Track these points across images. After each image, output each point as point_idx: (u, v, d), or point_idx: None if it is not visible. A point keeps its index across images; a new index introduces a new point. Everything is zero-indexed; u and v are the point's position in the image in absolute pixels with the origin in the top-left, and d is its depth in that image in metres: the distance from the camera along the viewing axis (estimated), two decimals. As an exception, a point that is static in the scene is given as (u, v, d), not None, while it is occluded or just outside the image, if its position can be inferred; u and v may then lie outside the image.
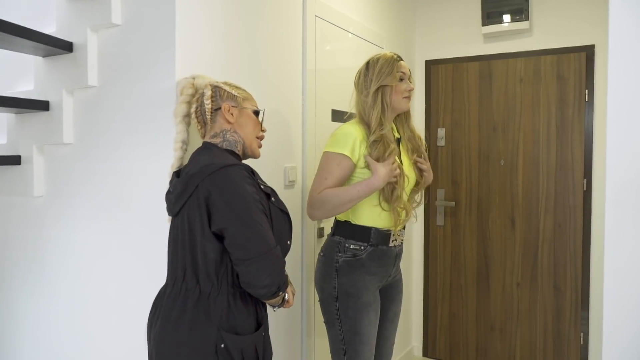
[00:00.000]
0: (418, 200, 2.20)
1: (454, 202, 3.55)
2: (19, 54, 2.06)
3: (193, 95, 1.64)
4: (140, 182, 1.83)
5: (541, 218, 3.31)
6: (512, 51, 3.38)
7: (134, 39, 1.83)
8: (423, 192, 2.23)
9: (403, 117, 2.16)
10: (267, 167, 2.18)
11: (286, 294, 1.56)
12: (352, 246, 2.00)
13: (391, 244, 2.04)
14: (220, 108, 1.58)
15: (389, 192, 1.96)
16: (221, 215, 1.40)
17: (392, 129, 2.10)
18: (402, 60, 2.05)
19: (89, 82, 1.90)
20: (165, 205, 1.58)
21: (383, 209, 1.98)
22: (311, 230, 2.48)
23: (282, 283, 1.47)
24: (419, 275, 3.73)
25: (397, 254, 2.09)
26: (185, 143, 1.65)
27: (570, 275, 3.25)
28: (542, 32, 3.30)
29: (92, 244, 1.95)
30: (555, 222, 3.28)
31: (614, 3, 1.25)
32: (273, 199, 1.55)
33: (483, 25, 3.39)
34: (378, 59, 2.03)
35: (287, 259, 2.29)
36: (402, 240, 2.11)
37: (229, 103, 1.59)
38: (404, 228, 2.09)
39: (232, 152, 1.59)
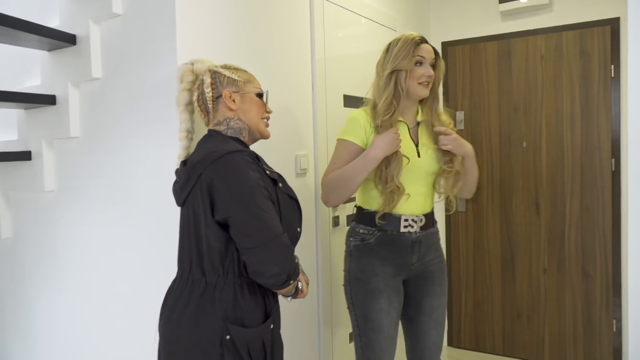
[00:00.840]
0: (441, 189, 2.08)
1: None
2: (28, 50, 2.10)
3: (194, 82, 1.63)
4: (147, 173, 1.84)
5: (567, 201, 3.24)
6: (532, 28, 3.30)
7: (136, 28, 1.84)
8: (457, 182, 2.05)
9: (430, 101, 2.06)
10: (277, 155, 2.18)
11: (299, 283, 1.53)
12: (361, 230, 2.01)
13: (403, 230, 1.97)
14: (221, 95, 1.57)
15: (380, 173, 1.92)
16: (224, 204, 1.40)
17: (416, 112, 2.06)
18: (425, 42, 1.97)
19: (93, 74, 1.93)
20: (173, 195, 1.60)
21: (378, 190, 1.95)
22: (325, 219, 2.48)
23: (292, 271, 1.44)
24: (442, 264, 3.69)
25: (416, 242, 1.99)
26: (190, 132, 1.64)
27: (600, 260, 3.18)
28: (563, 7, 3.22)
29: (101, 237, 1.98)
30: (582, 205, 3.21)
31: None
32: (280, 184, 1.54)
33: (500, 2, 3.32)
34: (398, 40, 1.97)
35: (301, 248, 2.32)
36: (423, 226, 2.00)
37: (230, 89, 1.57)
38: (425, 214, 2.01)
39: (237, 139, 1.58)
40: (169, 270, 1.66)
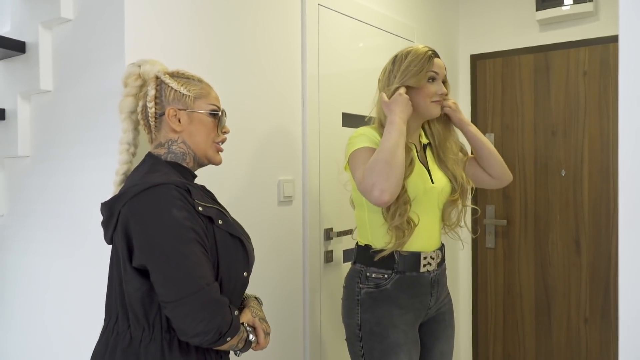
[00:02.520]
0: (454, 219, 1.92)
1: (505, 221, 3.22)
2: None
3: (140, 87, 1.44)
4: (95, 199, 1.69)
5: (613, 239, 2.92)
6: (574, 39, 3.04)
7: (86, 35, 1.71)
8: (487, 164, 1.96)
9: (440, 121, 1.94)
10: (255, 181, 2.01)
11: (251, 336, 1.36)
12: (373, 275, 1.79)
13: (423, 269, 1.79)
14: (164, 113, 1.38)
15: (386, 208, 1.74)
16: (141, 249, 1.24)
17: (419, 134, 1.93)
18: (437, 57, 1.83)
19: (42, 86, 1.80)
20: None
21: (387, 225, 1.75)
22: (316, 254, 2.27)
23: (226, 328, 1.25)
24: (467, 308, 3.40)
25: (435, 281, 1.83)
26: (131, 145, 1.45)
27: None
28: (610, 15, 2.94)
29: (46, 268, 1.84)
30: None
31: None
32: (220, 221, 1.34)
33: (537, 9, 3.07)
34: (407, 53, 1.82)
35: (286, 289, 2.12)
36: (440, 262, 1.86)
37: (175, 106, 1.38)
38: (439, 248, 1.87)
39: (176, 165, 1.40)
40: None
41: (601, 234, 2.96)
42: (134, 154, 1.46)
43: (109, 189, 1.60)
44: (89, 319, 1.69)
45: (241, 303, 1.45)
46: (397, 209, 1.72)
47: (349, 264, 2.43)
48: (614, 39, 2.92)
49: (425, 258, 1.80)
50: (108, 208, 1.31)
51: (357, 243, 1.90)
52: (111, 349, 1.29)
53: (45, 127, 1.85)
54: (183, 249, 1.22)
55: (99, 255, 1.65)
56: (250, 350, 1.39)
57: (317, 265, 2.27)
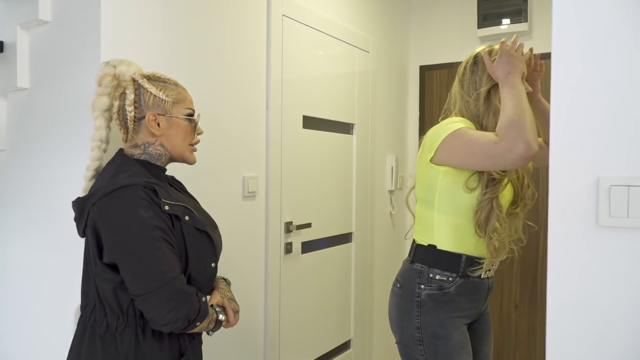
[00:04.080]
0: (516, 229, 1.71)
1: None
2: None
3: (115, 87, 1.40)
4: (68, 192, 1.66)
5: (541, 234, 3.05)
6: (511, 55, 3.13)
7: (62, 36, 1.68)
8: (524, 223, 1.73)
9: None
10: (222, 177, 2.01)
11: (220, 316, 1.38)
12: (437, 277, 1.62)
13: (484, 275, 1.65)
14: (144, 117, 1.37)
15: (485, 220, 1.57)
16: (110, 247, 1.24)
17: None
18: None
19: (19, 84, 1.76)
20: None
21: (479, 236, 1.59)
22: (276, 245, 2.29)
23: (194, 315, 1.26)
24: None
25: (490, 287, 1.71)
26: (104, 142, 1.41)
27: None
28: (542, 34, 3.06)
29: (24, 258, 1.80)
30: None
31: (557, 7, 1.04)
32: (187, 217, 1.35)
33: (479, 27, 3.16)
34: (491, 53, 1.64)
35: (247, 277, 2.13)
36: (496, 270, 1.73)
37: (155, 111, 1.37)
38: None
39: (146, 163, 1.39)
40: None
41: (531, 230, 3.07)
42: (105, 150, 1.43)
43: (81, 183, 1.59)
44: (64, 306, 1.67)
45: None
46: (495, 228, 1.57)
47: (307, 255, 2.48)
48: (547, 56, 3.02)
49: (487, 264, 1.64)
50: (78, 207, 1.31)
51: (415, 241, 1.72)
52: (89, 335, 1.29)
53: (22, 123, 1.81)
54: (149, 246, 1.23)
55: (73, 246, 1.62)
56: (222, 328, 1.41)
57: (277, 256, 2.29)
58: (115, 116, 1.42)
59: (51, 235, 1.72)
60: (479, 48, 1.70)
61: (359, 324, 2.92)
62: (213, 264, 1.42)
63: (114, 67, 1.39)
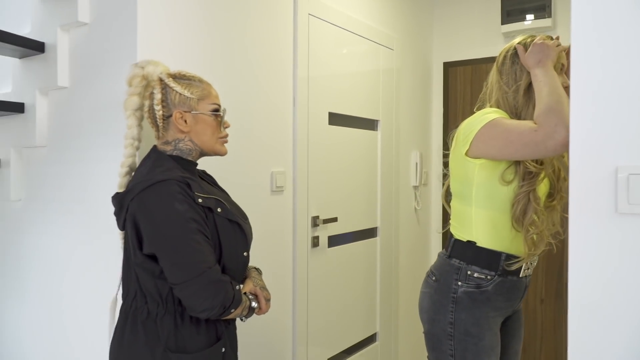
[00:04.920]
0: (553, 222, 1.66)
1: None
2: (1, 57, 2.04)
3: (144, 87, 1.46)
4: (107, 186, 1.74)
5: (566, 228, 3.03)
6: (535, 50, 3.13)
7: (101, 37, 1.75)
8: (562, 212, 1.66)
9: None
10: (252, 171, 2.07)
11: (253, 303, 1.44)
12: (476, 274, 1.59)
13: (522, 274, 1.62)
14: (171, 115, 1.42)
15: (522, 212, 1.54)
16: (149, 239, 1.31)
17: None
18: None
19: (60, 83, 1.84)
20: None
21: (516, 230, 1.56)
22: (304, 239, 2.33)
23: (229, 302, 1.32)
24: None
25: (527, 286, 1.69)
26: (136, 139, 1.48)
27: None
28: (566, 30, 3.04)
29: (62, 249, 1.88)
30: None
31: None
32: (219, 209, 1.40)
33: (503, 24, 3.16)
34: (533, 42, 1.58)
35: (276, 269, 2.19)
36: (534, 268, 1.71)
37: (181, 109, 1.42)
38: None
39: (179, 158, 1.45)
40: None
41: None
42: (138, 148, 1.49)
43: (116, 177, 1.65)
44: (100, 296, 1.74)
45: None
46: (533, 221, 1.55)
47: (334, 249, 2.53)
48: (570, 51, 3.02)
49: (526, 263, 1.62)
50: (118, 201, 1.38)
51: (452, 236, 1.68)
52: (131, 322, 1.36)
53: (62, 120, 1.89)
54: (186, 237, 1.28)
55: (108, 238, 1.70)
56: (254, 315, 1.46)
57: (304, 249, 2.34)
58: (146, 115, 1.48)
59: (87, 228, 1.80)
60: (519, 37, 1.64)
61: (384, 318, 2.95)
62: (245, 253, 1.47)
63: (142, 67, 1.45)
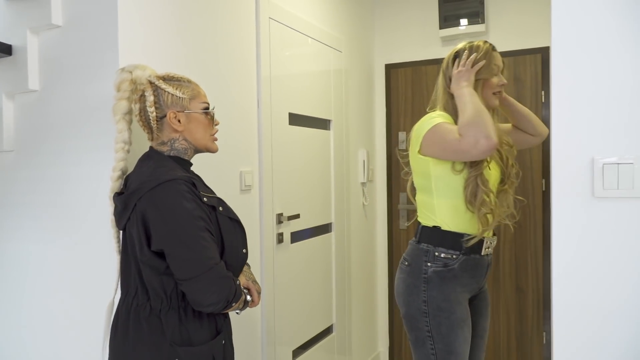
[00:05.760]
0: (507, 204, 1.90)
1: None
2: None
3: (133, 91, 1.51)
4: (86, 189, 1.75)
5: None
6: (470, 54, 3.40)
7: (76, 40, 1.76)
8: (512, 198, 1.92)
9: (494, 112, 1.92)
10: (221, 171, 2.13)
11: (247, 297, 1.52)
12: (442, 255, 1.79)
13: (484, 252, 1.83)
14: (165, 116, 1.48)
15: (472, 195, 1.75)
16: (159, 236, 1.36)
17: None
18: (496, 50, 1.86)
19: (30, 86, 1.82)
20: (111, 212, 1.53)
21: (471, 211, 1.77)
22: (270, 235, 2.43)
23: (232, 297, 1.40)
24: (384, 280, 3.70)
25: (489, 264, 1.90)
26: (127, 143, 1.53)
27: (531, 276, 3.27)
28: (498, 35, 3.33)
29: (37, 255, 1.86)
30: (516, 223, 3.29)
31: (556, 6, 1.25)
32: (220, 208, 1.49)
33: (441, 28, 3.40)
34: (472, 48, 1.83)
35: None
36: (495, 247, 1.91)
37: (174, 109, 1.48)
38: (494, 235, 1.91)
39: (178, 158, 1.51)
40: (106, 289, 1.59)
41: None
42: (128, 151, 1.54)
43: (99, 180, 1.69)
44: (86, 298, 1.75)
45: None
46: (483, 201, 1.74)
47: (296, 244, 2.64)
48: (502, 54, 3.24)
49: (486, 242, 1.83)
50: (122, 201, 1.42)
51: (420, 224, 1.88)
52: (134, 319, 1.40)
53: (31, 124, 1.86)
54: (195, 235, 1.35)
55: (94, 241, 1.72)
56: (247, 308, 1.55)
57: (271, 246, 2.44)
58: (137, 118, 1.53)
59: (65, 231, 1.80)
60: (461, 44, 1.88)
61: (339, 309, 3.10)
62: (244, 250, 1.56)
63: (130, 72, 1.51)
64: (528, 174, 3.26)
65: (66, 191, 1.79)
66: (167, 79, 1.52)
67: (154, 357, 1.37)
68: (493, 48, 1.85)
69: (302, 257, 2.71)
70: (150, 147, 1.53)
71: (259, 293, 1.61)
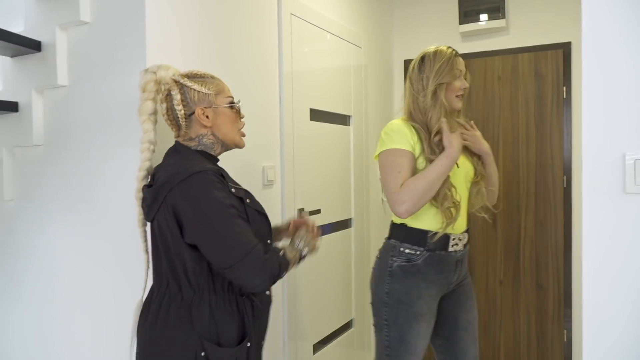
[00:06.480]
0: (479, 200, 1.98)
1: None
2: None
3: (157, 91, 1.55)
4: (113, 183, 1.79)
5: (522, 216, 3.32)
6: (490, 49, 3.40)
7: (104, 37, 1.80)
8: (489, 186, 2.00)
9: (458, 113, 2.01)
10: (244, 166, 2.16)
11: (304, 251, 1.56)
12: (407, 250, 1.88)
13: (451, 249, 1.90)
14: (194, 113, 1.51)
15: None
16: (192, 227, 1.38)
17: None
18: (459, 55, 1.94)
19: (59, 82, 1.86)
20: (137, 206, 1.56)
21: (435, 206, 1.84)
22: (291, 230, 2.45)
23: (277, 272, 1.42)
24: (402, 276, 3.71)
25: (459, 260, 1.94)
26: (153, 143, 1.56)
27: (552, 273, 3.26)
28: (518, 30, 3.33)
29: (66, 248, 1.90)
30: (536, 220, 3.29)
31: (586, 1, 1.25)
32: (248, 200, 1.51)
33: (460, 24, 3.40)
34: (435, 53, 1.90)
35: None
36: (465, 244, 1.96)
37: (202, 106, 1.51)
38: (466, 231, 1.96)
39: (204, 153, 1.54)
40: (132, 280, 1.63)
41: (513, 211, 3.35)
42: (154, 151, 1.57)
43: (126, 175, 1.72)
44: (113, 292, 1.79)
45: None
46: (445, 195, 1.81)
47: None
48: (522, 50, 3.30)
49: (453, 239, 1.89)
50: (152, 193, 1.44)
51: (392, 221, 1.97)
52: (165, 308, 1.43)
53: (60, 119, 1.91)
54: (228, 222, 1.38)
55: (121, 235, 1.76)
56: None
57: (292, 240, 2.46)
58: (164, 117, 1.56)
59: (94, 225, 1.83)
60: (426, 49, 1.95)
61: (359, 304, 3.12)
62: (269, 241, 1.58)
63: (154, 72, 1.54)
64: (549, 171, 3.25)
65: (94, 186, 1.83)
66: (191, 76, 1.55)
67: (181, 344, 1.39)
68: (456, 54, 1.91)
69: (323, 252, 2.73)
70: (177, 142, 1.56)
71: (318, 236, 1.64)
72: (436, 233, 1.85)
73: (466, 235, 1.96)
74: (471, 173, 1.96)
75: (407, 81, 1.97)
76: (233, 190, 1.45)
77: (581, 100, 1.22)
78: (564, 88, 3.19)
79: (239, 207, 1.44)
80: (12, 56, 1.95)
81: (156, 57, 1.71)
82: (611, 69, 1.19)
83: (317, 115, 2.69)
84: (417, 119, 1.89)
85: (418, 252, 1.87)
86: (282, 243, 1.62)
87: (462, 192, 1.90)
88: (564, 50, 3.19)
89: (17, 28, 1.93)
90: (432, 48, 1.93)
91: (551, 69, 3.22)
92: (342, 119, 2.99)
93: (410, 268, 1.87)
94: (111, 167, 1.79)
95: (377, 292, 1.92)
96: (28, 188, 1.99)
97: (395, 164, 1.82)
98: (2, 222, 2.04)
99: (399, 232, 1.91)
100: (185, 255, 1.41)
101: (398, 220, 1.92)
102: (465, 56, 3.40)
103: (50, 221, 1.94)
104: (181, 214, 1.38)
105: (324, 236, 2.75)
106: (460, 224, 1.92)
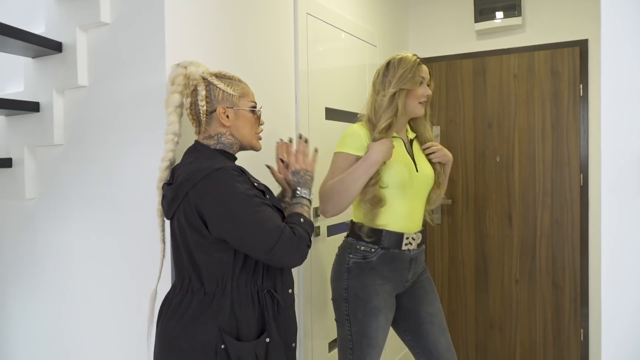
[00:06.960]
0: (434, 203, 2.13)
1: (450, 200, 3.54)
2: (8, 56, 2.05)
3: (186, 86, 1.58)
4: (133, 182, 1.82)
5: (538, 214, 3.31)
6: (505, 47, 3.38)
7: (124, 37, 1.83)
8: (441, 192, 2.15)
9: (422, 119, 2.11)
10: (261, 165, 2.17)
11: (309, 194, 1.67)
12: (362, 248, 1.98)
13: (404, 248, 1.98)
14: (215, 110, 1.54)
15: (363, 192, 1.93)
16: (220, 222, 1.40)
17: (406, 130, 2.11)
18: (423, 64, 2.01)
19: (79, 82, 1.89)
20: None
21: (391, 206, 1.96)
22: (307, 229, 2.47)
23: (309, 238, 1.48)
24: (417, 275, 3.72)
25: (413, 259, 2.02)
26: (177, 135, 1.59)
27: (568, 271, 3.25)
28: (535, 28, 3.31)
29: (85, 245, 1.94)
30: (552, 218, 3.28)
31: None
32: (267, 196, 1.53)
33: (476, 22, 3.39)
34: (400, 60, 1.98)
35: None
36: (419, 244, 2.05)
37: (224, 105, 1.54)
38: (420, 231, 2.05)
39: (224, 152, 1.57)
40: (151, 277, 1.64)
41: (529, 209, 3.34)
42: (177, 143, 1.60)
43: (145, 174, 1.75)
44: (131, 288, 1.82)
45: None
46: (367, 187, 1.90)
47: (333, 237, 2.68)
48: (538, 48, 3.29)
49: (407, 238, 1.98)
50: (173, 190, 1.47)
51: (351, 220, 2.08)
52: (186, 303, 1.46)
53: (80, 119, 1.94)
54: (255, 211, 1.40)
55: (139, 232, 1.79)
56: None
57: (307, 238, 2.48)
58: (187, 111, 1.59)
59: (113, 222, 1.87)
60: (392, 56, 2.02)
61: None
62: None
63: (185, 67, 1.58)
64: (565, 169, 3.23)
65: (112, 183, 1.87)
66: (219, 76, 1.59)
67: (202, 337, 1.41)
68: (420, 62, 1.98)
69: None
70: (196, 141, 1.58)
71: (300, 154, 1.73)
72: (393, 232, 1.95)
73: (420, 235, 2.04)
74: (431, 177, 2.06)
75: (370, 87, 2.05)
76: (255, 184, 1.49)
77: (598, 98, 1.22)
78: (581, 86, 3.17)
79: (262, 197, 1.47)
80: (33, 57, 1.99)
81: (175, 58, 1.73)
82: (631, 67, 1.19)
83: (332, 114, 2.70)
84: (371, 122, 1.98)
85: (373, 250, 1.96)
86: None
87: (418, 196, 2.02)
88: (581, 48, 3.17)
89: (38, 29, 1.97)
90: (398, 55, 2.01)
91: (567, 66, 3.21)
92: (357, 118, 2.99)
93: (366, 265, 1.96)
94: (129, 166, 1.82)
95: (337, 288, 2.01)
96: (48, 187, 2.02)
97: (335, 166, 1.96)
98: (24, 221, 2.08)
99: (356, 231, 2.00)
100: (209, 250, 1.43)
101: (355, 219, 2.03)
102: (481, 54, 3.41)
103: (70, 219, 1.97)
104: (205, 210, 1.41)
105: (339, 234, 2.77)
106: (415, 224, 2.02)
